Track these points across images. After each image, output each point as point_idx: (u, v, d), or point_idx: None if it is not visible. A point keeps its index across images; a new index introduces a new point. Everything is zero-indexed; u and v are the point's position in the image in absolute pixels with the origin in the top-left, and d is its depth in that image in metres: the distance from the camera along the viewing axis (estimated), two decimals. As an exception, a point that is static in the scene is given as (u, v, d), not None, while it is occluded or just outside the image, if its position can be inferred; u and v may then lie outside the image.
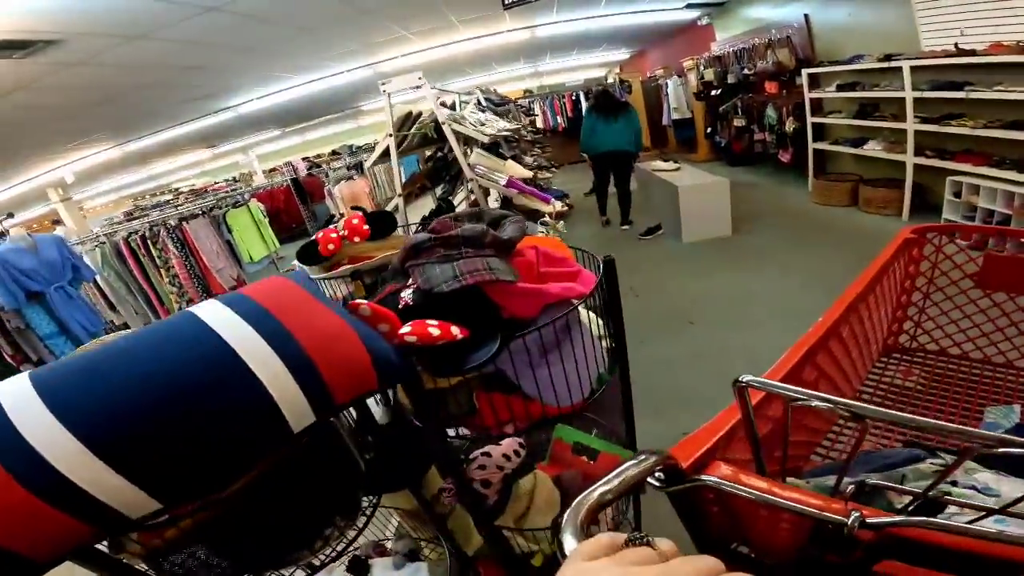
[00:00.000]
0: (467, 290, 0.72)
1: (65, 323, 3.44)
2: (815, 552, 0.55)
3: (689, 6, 7.23)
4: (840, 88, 5.02)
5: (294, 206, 7.40)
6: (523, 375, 0.78)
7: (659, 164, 5.49)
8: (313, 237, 1.29)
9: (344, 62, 6.18)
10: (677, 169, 5.34)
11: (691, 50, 8.43)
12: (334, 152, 11.93)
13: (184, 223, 4.67)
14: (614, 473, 0.47)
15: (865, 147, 4.89)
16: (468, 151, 2.31)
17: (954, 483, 0.73)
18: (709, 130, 8.33)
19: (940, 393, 1.30)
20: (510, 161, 2.22)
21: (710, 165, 7.87)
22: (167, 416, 0.50)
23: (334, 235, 1.26)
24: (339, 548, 0.80)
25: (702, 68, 7.98)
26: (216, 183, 10.79)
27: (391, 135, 1.92)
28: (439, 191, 3.13)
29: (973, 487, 0.72)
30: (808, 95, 5.50)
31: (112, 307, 4.50)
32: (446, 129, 1.93)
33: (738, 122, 7.21)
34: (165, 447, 0.50)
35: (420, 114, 2.10)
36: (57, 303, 3.38)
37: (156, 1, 2.79)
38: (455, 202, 2.90)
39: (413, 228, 1.55)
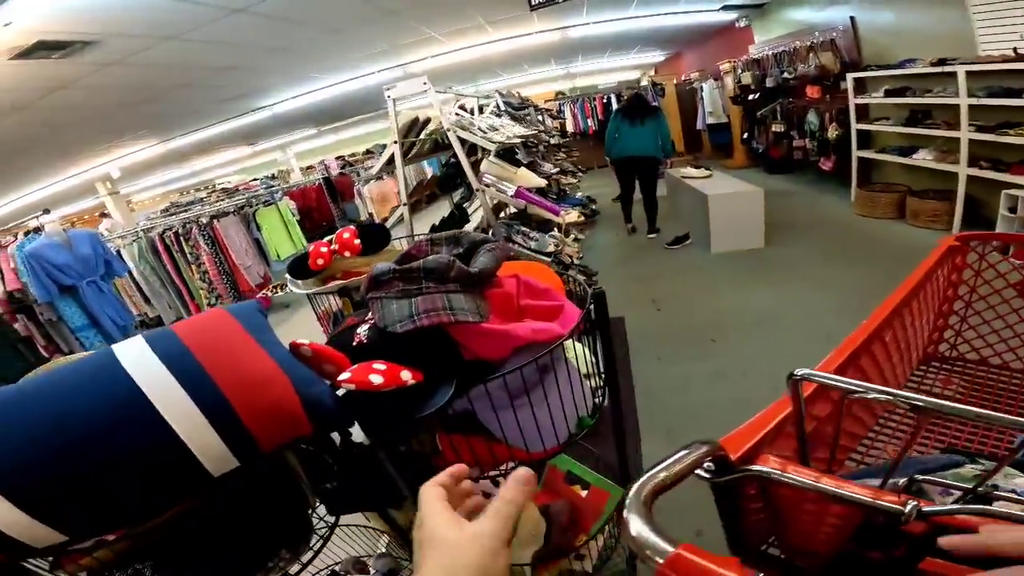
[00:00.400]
0: (424, 330, 0.66)
1: (96, 316, 3.56)
2: (857, 548, 0.55)
3: (726, 8, 6.98)
4: (888, 93, 4.73)
5: (325, 204, 7.53)
6: (487, 419, 0.72)
7: (689, 171, 5.30)
8: (306, 250, 1.25)
9: (375, 62, 6.23)
10: (708, 176, 5.16)
11: (728, 53, 8.16)
12: (368, 151, 12.10)
13: (215, 221, 4.78)
14: (673, 458, 0.49)
15: (914, 156, 4.60)
16: (485, 157, 2.26)
17: (995, 487, 0.71)
18: (745, 136, 8.03)
19: (979, 402, 1.29)
20: (522, 169, 2.14)
21: (746, 172, 7.60)
22: (70, 457, 0.49)
23: (324, 249, 1.22)
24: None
25: (739, 71, 7.72)
26: (253, 180, 11.10)
27: (396, 142, 1.88)
28: (456, 197, 3.08)
29: (1013, 492, 0.69)
30: (853, 100, 5.21)
31: (147, 300, 4.65)
32: (451, 136, 1.86)
33: (776, 127, 6.93)
34: (68, 487, 0.50)
35: (428, 120, 2.05)
36: (89, 297, 3.49)
37: (183, 2, 2.84)
38: (470, 210, 2.85)
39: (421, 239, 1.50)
